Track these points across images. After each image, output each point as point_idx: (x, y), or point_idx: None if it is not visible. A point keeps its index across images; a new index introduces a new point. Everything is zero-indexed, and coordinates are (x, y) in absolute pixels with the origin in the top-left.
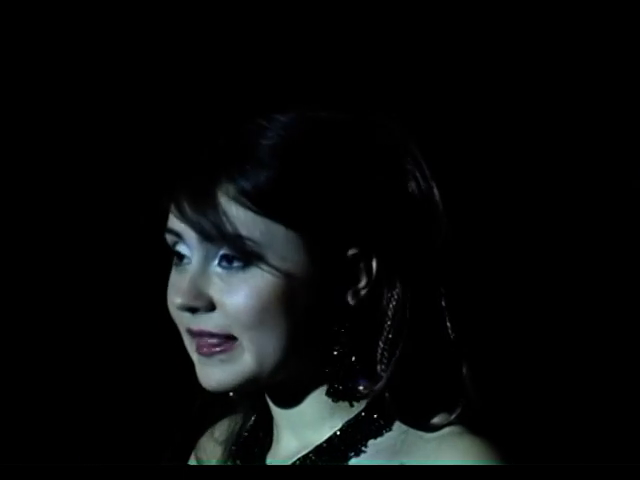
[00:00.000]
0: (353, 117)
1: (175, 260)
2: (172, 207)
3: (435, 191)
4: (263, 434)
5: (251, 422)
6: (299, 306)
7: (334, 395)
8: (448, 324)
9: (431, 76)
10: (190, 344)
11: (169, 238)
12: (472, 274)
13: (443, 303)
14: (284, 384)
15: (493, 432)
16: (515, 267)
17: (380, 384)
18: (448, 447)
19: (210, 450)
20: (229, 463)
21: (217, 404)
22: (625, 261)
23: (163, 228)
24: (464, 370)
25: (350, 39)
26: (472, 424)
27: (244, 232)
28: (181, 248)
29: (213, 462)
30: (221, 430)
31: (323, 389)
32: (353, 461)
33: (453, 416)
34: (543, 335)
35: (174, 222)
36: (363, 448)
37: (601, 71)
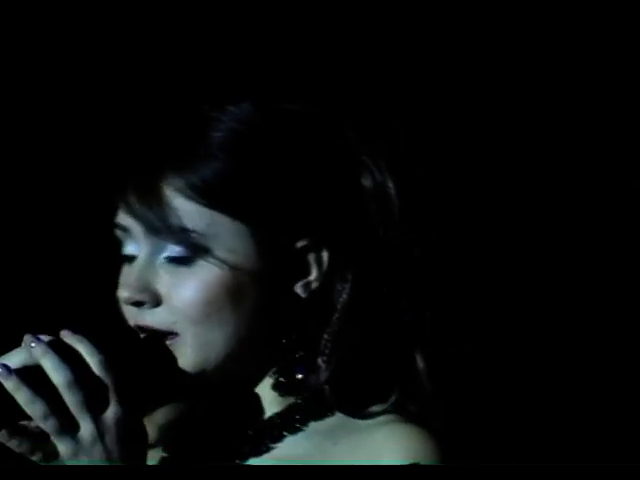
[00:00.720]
0: (310, 109)
1: (124, 256)
2: (121, 202)
3: (390, 184)
4: (204, 422)
5: (192, 410)
6: (247, 300)
7: (280, 389)
8: (403, 318)
9: (432, 75)
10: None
11: (118, 233)
12: (455, 269)
13: (400, 299)
14: (232, 376)
15: (437, 423)
16: (513, 267)
17: (321, 377)
18: (381, 432)
19: (148, 433)
20: (163, 449)
21: (159, 391)
22: (625, 261)
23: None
24: (420, 366)
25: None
26: (417, 413)
27: (190, 225)
28: (129, 243)
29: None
30: (161, 415)
31: (269, 382)
32: (289, 439)
33: (388, 404)
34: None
35: (122, 217)
36: (302, 427)
37: (601, 71)
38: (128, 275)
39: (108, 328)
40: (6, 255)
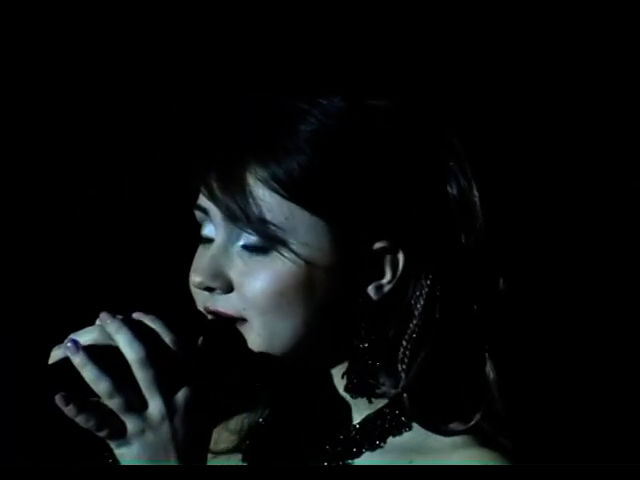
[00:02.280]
0: (400, 108)
1: (202, 238)
2: (202, 185)
3: (474, 192)
4: (279, 426)
5: (267, 414)
6: (318, 295)
7: (352, 391)
8: (478, 328)
9: (430, 74)
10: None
11: (197, 214)
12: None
13: (475, 307)
14: (301, 375)
15: (510, 442)
16: (520, 268)
17: (400, 385)
18: (459, 456)
19: (224, 440)
20: (241, 454)
21: (233, 395)
22: (625, 261)
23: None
24: (491, 377)
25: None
26: (492, 432)
27: (268, 216)
28: (207, 226)
29: (223, 452)
30: (236, 421)
31: (341, 384)
32: (366, 455)
33: (471, 424)
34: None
35: (202, 199)
36: (381, 444)
37: (601, 71)
38: (202, 259)
39: (176, 311)
40: (78, 241)
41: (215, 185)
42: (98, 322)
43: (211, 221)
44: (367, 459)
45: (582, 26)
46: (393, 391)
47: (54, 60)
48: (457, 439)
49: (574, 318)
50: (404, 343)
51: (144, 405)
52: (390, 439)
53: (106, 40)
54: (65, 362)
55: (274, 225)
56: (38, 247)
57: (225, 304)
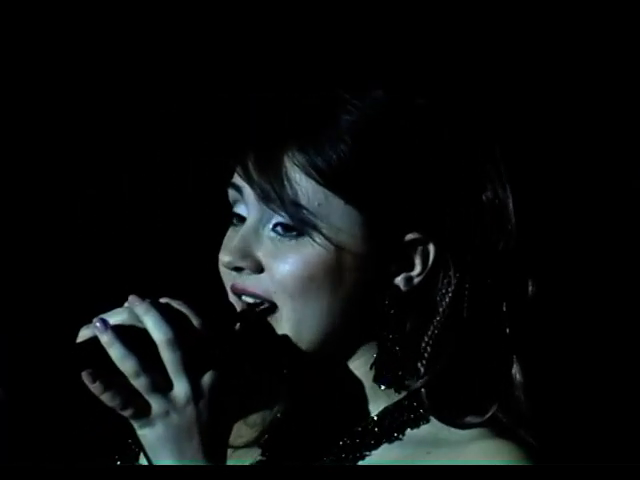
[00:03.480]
0: (442, 105)
1: (234, 220)
2: (238, 165)
3: (508, 193)
4: (297, 419)
5: (286, 407)
6: (347, 282)
7: (381, 382)
8: (506, 330)
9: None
10: (233, 302)
11: (230, 193)
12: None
13: (504, 308)
14: (328, 364)
15: (531, 437)
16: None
17: (419, 381)
18: (475, 447)
19: (243, 434)
20: (260, 449)
21: (250, 390)
22: (625, 261)
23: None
24: (517, 379)
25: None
26: (510, 425)
27: (303, 200)
28: (240, 207)
29: (243, 447)
30: (256, 416)
31: (362, 376)
32: (383, 447)
33: (487, 416)
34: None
35: (237, 178)
36: (399, 436)
37: (601, 71)
38: (232, 239)
39: (204, 299)
40: (111, 227)
41: (252, 165)
42: (126, 305)
43: (243, 201)
44: (385, 451)
45: (575, 27)
46: (412, 385)
47: (55, 61)
48: (474, 431)
49: (569, 318)
50: (426, 339)
51: (169, 386)
52: (408, 431)
53: (106, 41)
54: (93, 341)
55: (307, 210)
56: (39, 246)
57: (255, 283)
